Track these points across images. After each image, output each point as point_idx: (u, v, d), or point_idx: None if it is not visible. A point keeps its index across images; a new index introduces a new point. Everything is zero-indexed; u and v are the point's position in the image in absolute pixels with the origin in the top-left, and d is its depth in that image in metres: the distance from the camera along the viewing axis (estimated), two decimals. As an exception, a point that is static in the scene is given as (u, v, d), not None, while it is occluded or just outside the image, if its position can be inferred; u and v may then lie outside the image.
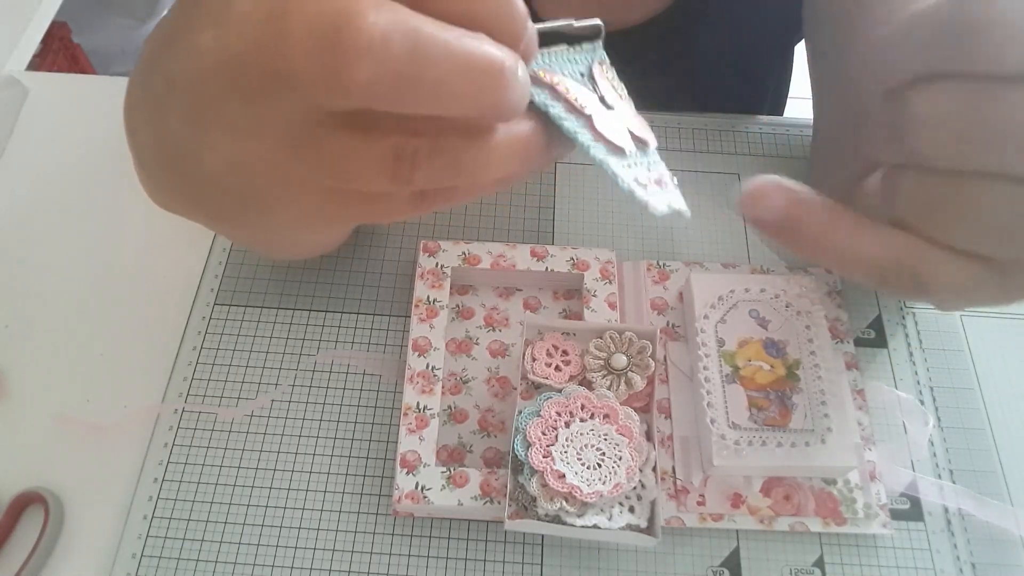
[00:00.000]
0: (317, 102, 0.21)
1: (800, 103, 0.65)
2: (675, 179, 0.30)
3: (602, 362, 0.43)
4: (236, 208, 0.26)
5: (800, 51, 0.64)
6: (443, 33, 0.21)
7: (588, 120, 0.27)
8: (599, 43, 0.29)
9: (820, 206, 0.25)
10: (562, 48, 0.28)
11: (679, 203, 0.28)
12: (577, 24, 0.28)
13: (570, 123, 0.26)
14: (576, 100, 0.26)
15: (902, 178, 0.25)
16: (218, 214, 0.28)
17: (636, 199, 0.26)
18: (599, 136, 0.26)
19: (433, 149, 0.22)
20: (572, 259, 0.48)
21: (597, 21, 0.29)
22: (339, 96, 0.21)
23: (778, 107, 0.76)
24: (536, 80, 0.26)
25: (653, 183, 0.28)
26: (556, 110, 0.26)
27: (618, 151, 0.27)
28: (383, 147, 0.22)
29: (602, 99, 0.28)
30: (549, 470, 0.38)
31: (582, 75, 0.29)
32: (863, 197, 0.27)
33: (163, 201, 0.30)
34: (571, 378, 0.43)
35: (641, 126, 0.29)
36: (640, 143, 0.29)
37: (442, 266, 0.47)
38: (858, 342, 0.48)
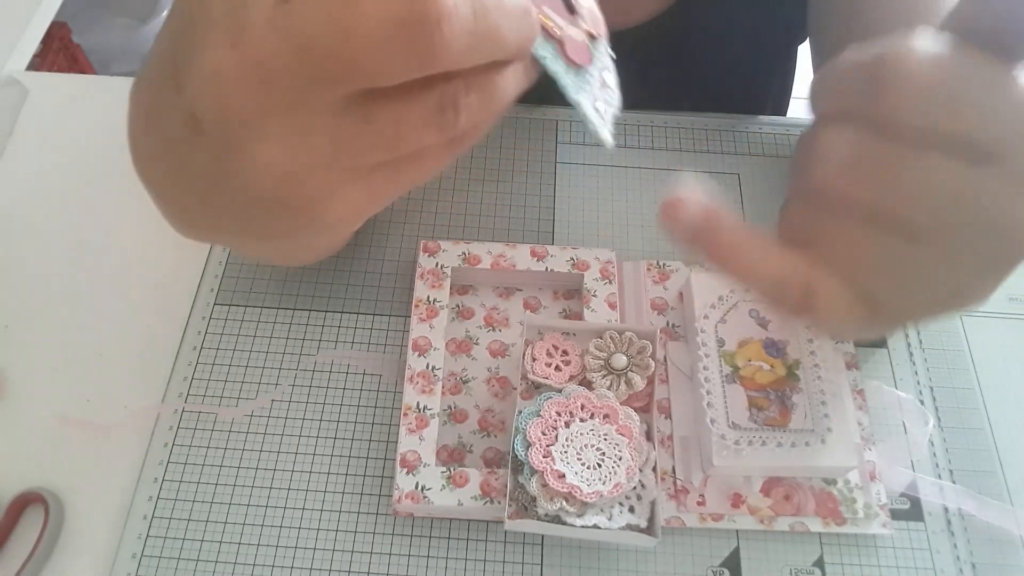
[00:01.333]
0: (388, 79, 0.21)
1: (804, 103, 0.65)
2: (614, 76, 0.31)
3: (602, 362, 0.43)
4: (284, 222, 0.26)
5: (804, 51, 0.64)
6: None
7: (560, 45, 0.27)
8: None
9: (731, 224, 0.27)
10: None
11: (607, 126, 0.30)
12: None
13: (544, 50, 0.26)
14: (551, 25, 0.27)
15: (795, 204, 0.26)
16: (263, 232, 0.27)
17: (591, 130, 0.28)
18: (568, 59, 0.27)
19: (467, 87, 0.23)
20: (572, 259, 0.48)
21: None
22: (424, 69, 0.21)
23: (781, 108, 0.76)
24: None
25: (599, 86, 0.29)
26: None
27: (580, 68, 0.28)
28: (428, 101, 0.23)
29: (566, 2, 0.28)
30: (549, 470, 0.38)
31: None
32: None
33: (198, 235, 0.29)
34: (571, 378, 0.43)
35: (594, 20, 0.30)
36: (592, 38, 0.29)
37: (442, 266, 0.47)
38: (858, 342, 0.48)
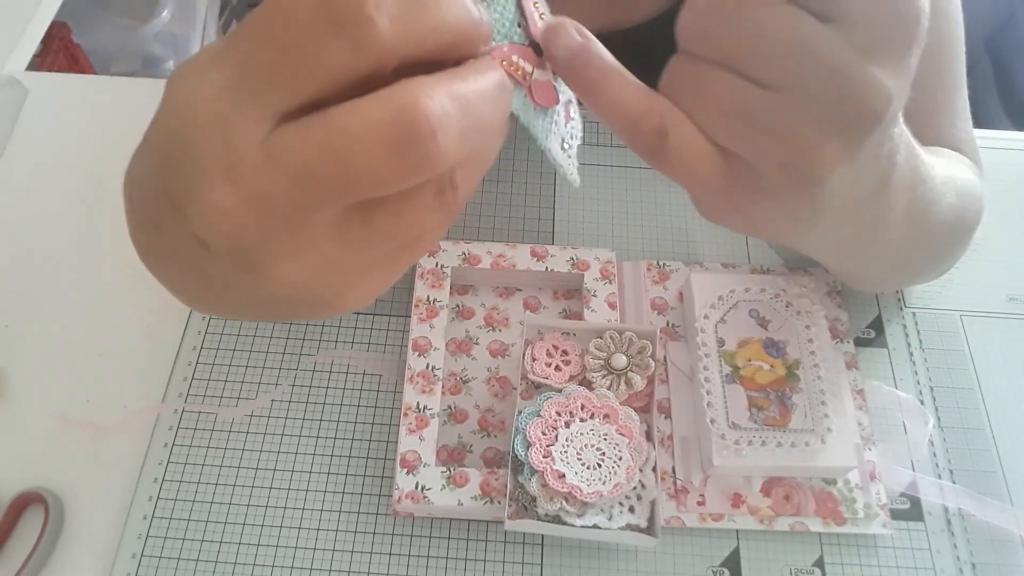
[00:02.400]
0: (387, 191, 0.22)
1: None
2: (576, 104, 0.31)
3: (602, 362, 0.43)
4: (304, 312, 0.27)
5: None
6: (463, 80, 0.22)
7: (528, 91, 0.27)
8: None
9: (603, 59, 0.27)
10: None
11: (574, 164, 0.30)
12: None
13: (515, 101, 0.27)
14: (520, 73, 0.27)
15: (673, 57, 0.27)
16: (284, 319, 0.29)
17: (560, 173, 0.29)
18: (536, 104, 0.28)
19: (460, 163, 0.23)
20: (572, 259, 0.48)
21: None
22: (422, 177, 0.22)
23: None
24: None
25: (565, 121, 0.30)
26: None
27: (547, 109, 0.28)
28: (426, 191, 0.23)
29: (533, 44, 0.28)
30: (549, 470, 0.38)
31: (512, 17, 0.28)
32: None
33: (217, 315, 0.31)
34: (571, 378, 0.43)
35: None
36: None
37: (442, 266, 0.47)
38: (858, 342, 0.48)
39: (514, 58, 0.27)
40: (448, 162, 0.21)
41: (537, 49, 0.28)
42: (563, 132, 0.30)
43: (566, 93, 0.30)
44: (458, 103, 0.22)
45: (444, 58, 0.23)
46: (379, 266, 0.25)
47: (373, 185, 0.21)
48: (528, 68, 0.27)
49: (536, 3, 0.29)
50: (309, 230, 0.23)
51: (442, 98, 0.21)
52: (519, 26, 0.28)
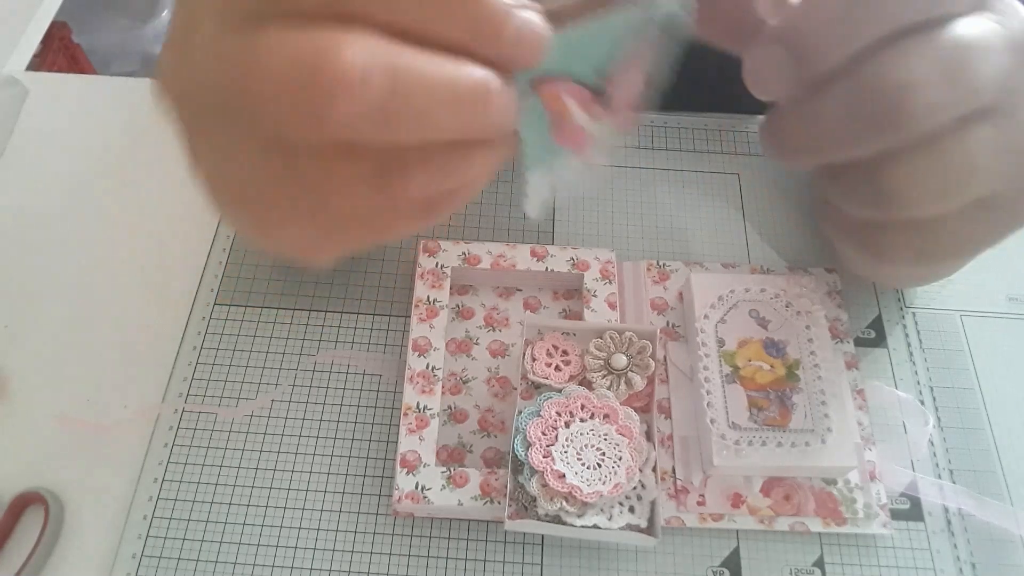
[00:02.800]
0: (292, 137, 0.21)
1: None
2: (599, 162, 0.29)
3: (602, 362, 0.43)
4: (256, 222, 0.27)
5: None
6: (422, 64, 0.20)
7: (558, 119, 0.25)
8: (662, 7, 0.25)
9: None
10: (600, 22, 0.24)
11: (541, 203, 0.28)
12: None
13: (532, 120, 0.25)
14: (559, 104, 0.25)
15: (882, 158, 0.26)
16: (247, 226, 0.28)
17: (524, 199, 0.28)
18: (557, 138, 0.26)
19: (421, 158, 0.22)
20: (572, 259, 0.48)
21: None
22: (315, 134, 0.20)
23: None
24: (540, 88, 0.24)
25: (571, 170, 0.28)
26: (528, 132, 0.25)
27: (562, 150, 0.27)
28: (363, 166, 0.22)
29: (600, 94, 0.26)
30: (549, 470, 0.38)
31: (602, 68, 0.25)
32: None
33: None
34: (571, 378, 0.43)
35: (623, 120, 0.27)
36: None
37: (442, 266, 0.47)
38: (858, 342, 0.48)
39: (565, 98, 0.25)
40: (340, 128, 0.20)
41: (602, 96, 0.26)
42: (558, 175, 0.28)
43: (598, 154, 0.28)
44: (389, 75, 0.20)
45: (450, 43, 0.21)
46: (312, 221, 0.24)
47: (272, 119, 0.20)
48: (573, 107, 0.25)
49: (638, 66, 0.26)
50: (228, 142, 0.23)
51: (368, 59, 0.20)
52: (607, 68, 0.25)
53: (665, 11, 0.24)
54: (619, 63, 0.25)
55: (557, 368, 0.43)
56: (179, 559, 0.41)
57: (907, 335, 0.48)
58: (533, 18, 0.22)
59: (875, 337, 0.48)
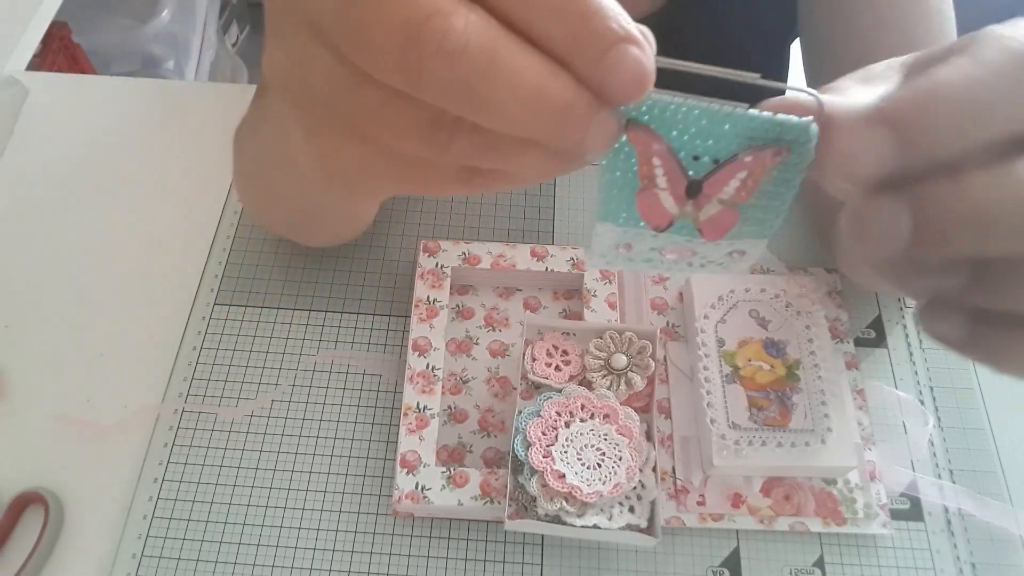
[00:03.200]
0: (371, 68, 0.21)
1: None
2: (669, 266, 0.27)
3: (602, 362, 0.43)
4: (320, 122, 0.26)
5: (796, 50, 0.64)
6: (520, 58, 0.20)
7: (646, 184, 0.24)
8: (802, 125, 0.22)
9: None
10: (716, 108, 0.22)
11: (603, 260, 0.27)
12: (756, 81, 0.22)
13: (616, 167, 0.23)
14: (648, 166, 0.23)
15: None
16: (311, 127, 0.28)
17: (588, 248, 0.26)
18: (640, 208, 0.24)
19: (475, 128, 0.22)
20: (572, 259, 0.48)
21: (812, 95, 0.23)
22: (403, 84, 0.21)
23: None
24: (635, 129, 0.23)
25: (641, 250, 0.26)
26: (613, 169, 0.23)
27: (637, 218, 0.25)
28: (422, 112, 0.22)
29: (695, 184, 0.24)
30: (549, 470, 0.38)
31: (703, 158, 0.23)
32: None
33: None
34: (571, 378, 0.43)
35: (717, 225, 0.25)
36: (699, 232, 0.25)
37: (442, 266, 0.47)
38: (858, 342, 0.48)
39: (655, 161, 0.23)
40: (421, 85, 0.20)
41: (692, 189, 0.24)
42: (634, 247, 0.26)
43: (674, 246, 0.26)
44: (488, 56, 0.20)
45: (551, 47, 0.21)
46: (363, 145, 0.24)
47: (367, 50, 0.21)
48: (659, 177, 0.24)
49: (746, 178, 0.24)
50: (302, 48, 0.23)
51: (474, 33, 0.20)
52: (715, 162, 0.23)
53: (794, 135, 0.23)
54: (725, 164, 0.23)
55: (557, 368, 0.43)
56: (179, 559, 0.41)
57: (907, 335, 0.48)
58: (641, 54, 0.21)
59: (875, 337, 0.48)
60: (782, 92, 0.24)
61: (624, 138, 0.23)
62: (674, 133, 0.23)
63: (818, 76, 0.53)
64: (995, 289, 0.23)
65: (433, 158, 0.23)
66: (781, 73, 0.75)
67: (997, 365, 0.25)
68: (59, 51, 1.19)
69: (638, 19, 0.22)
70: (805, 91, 0.23)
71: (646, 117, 0.22)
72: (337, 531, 0.42)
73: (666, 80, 0.22)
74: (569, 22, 0.21)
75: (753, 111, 0.22)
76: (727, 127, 0.23)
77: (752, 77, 0.23)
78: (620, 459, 0.39)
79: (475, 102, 0.21)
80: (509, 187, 0.26)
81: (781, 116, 0.23)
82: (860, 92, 0.25)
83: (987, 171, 0.22)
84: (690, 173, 0.24)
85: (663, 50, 0.22)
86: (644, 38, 0.21)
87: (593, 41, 0.21)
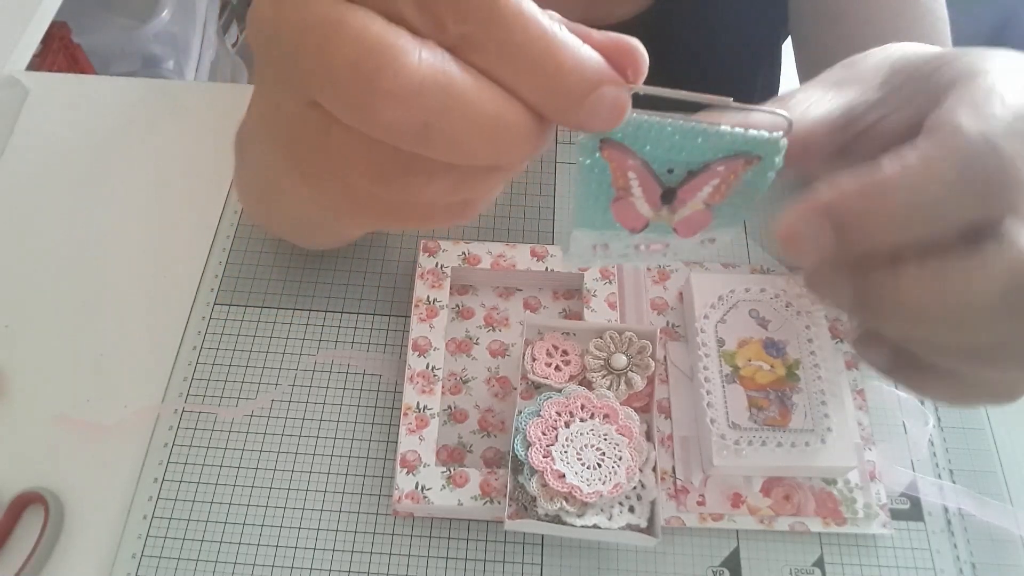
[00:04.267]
0: (336, 113, 0.21)
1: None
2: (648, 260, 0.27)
3: (602, 362, 0.43)
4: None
5: (788, 49, 0.64)
6: (477, 91, 0.20)
7: (620, 193, 0.24)
8: (771, 140, 0.23)
9: None
10: (690, 125, 0.23)
11: (578, 259, 0.27)
12: (730, 106, 0.23)
13: (585, 156, 0.23)
14: (623, 179, 0.24)
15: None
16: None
17: (568, 240, 0.26)
18: (615, 212, 0.25)
19: (448, 167, 0.22)
20: (572, 259, 0.48)
21: (783, 116, 0.24)
22: (360, 124, 0.21)
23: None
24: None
25: (615, 251, 0.26)
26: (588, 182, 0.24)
27: (612, 221, 0.25)
28: (392, 155, 0.22)
29: (670, 191, 0.24)
30: (549, 470, 0.38)
31: (677, 171, 0.24)
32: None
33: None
34: (571, 378, 0.43)
35: (692, 224, 0.25)
36: (674, 231, 0.26)
37: (442, 266, 0.47)
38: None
39: (630, 175, 0.24)
40: (379, 127, 0.20)
41: (668, 196, 0.25)
42: (610, 248, 0.26)
43: (652, 245, 0.26)
44: (443, 94, 0.20)
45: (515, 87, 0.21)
46: (325, 182, 0.24)
47: (325, 90, 0.21)
48: (635, 189, 0.24)
49: (719, 183, 0.24)
50: (273, 89, 0.23)
51: (429, 72, 0.20)
52: (689, 173, 0.24)
53: (765, 150, 0.24)
54: (699, 173, 0.24)
55: (557, 368, 0.43)
56: (179, 559, 0.41)
57: (907, 335, 0.48)
58: (618, 92, 0.21)
59: (875, 337, 0.48)
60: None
61: (598, 155, 0.23)
62: (648, 148, 0.23)
63: (809, 76, 0.53)
64: (917, 347, 0.24)
65: (410, 200, 0.23)
66: (773, 72, 0.75)
67: (919, 394, 0.26)
68: (59, 51, 1.18)
69: (628, 17, 0.22)
70: (777, 112, 0.24)
71: (619, 135, 0.23)
72: (337, 531, 0.42)
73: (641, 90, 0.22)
74: (546, 78, 0.21)
75: (725, 127, 0.23)
76: (700, 141, 0.23)
77: (724, 101, 0.23)
78: (620, 459, 0.39)
79: (434, 140, 0.21)
80: (472, 215, 0.26)
81: (752, 132, 0.23)
82: (823, 102, 0.26)
83: (920, 267, 0.22)
84: (664, 184, 0.24)
85: (652, 50, 0.23)
86: (628, 49, 0.21)
87: (569, 93, 0.21)
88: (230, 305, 0.49)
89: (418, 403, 0.43)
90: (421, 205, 0.24)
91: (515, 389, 0.44)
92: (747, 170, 0.24)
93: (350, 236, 0.48)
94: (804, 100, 0.27)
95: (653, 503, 0.39)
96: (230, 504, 0.42)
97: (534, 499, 0.38)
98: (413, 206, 0.24)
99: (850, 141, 0.26)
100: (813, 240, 0.23)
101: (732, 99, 0.23)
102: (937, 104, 0.23)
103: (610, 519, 0.38)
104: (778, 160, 0.24)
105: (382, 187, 0.23)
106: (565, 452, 0.39)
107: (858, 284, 0.23)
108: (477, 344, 0.47)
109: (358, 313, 0.49)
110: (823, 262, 0.24)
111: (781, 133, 0.24)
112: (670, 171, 0.24)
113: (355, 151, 0.22)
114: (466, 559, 0.41)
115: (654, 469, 0.40)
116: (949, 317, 0.22)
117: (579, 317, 0.47)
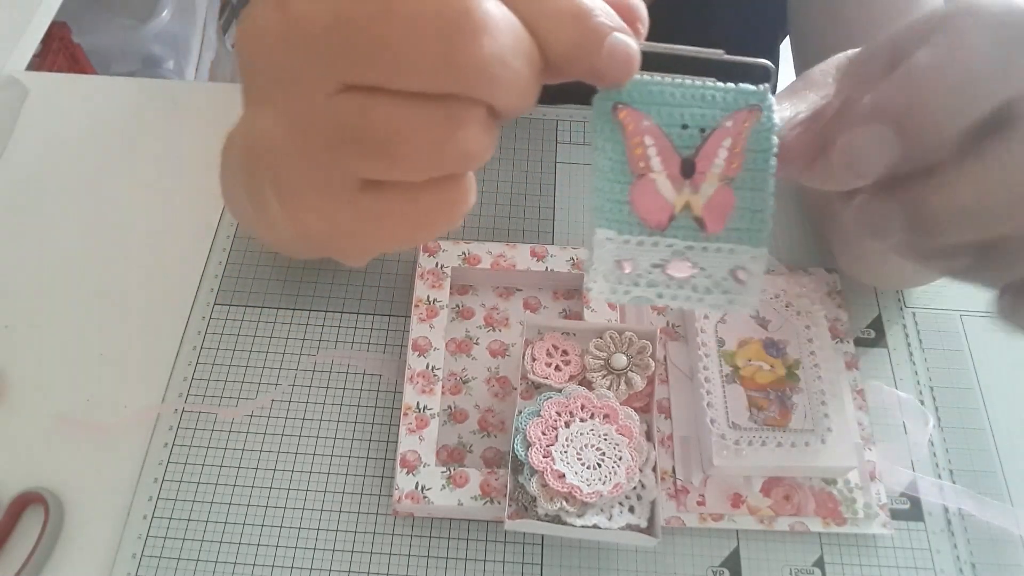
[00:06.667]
0: (404, 75, 0.21)
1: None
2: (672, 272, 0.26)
3: (602, 362, 0.43)
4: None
5: (786, 48, 0.64)
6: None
7: (638, 179, 0.25)
8: (760, 91, 0.25)
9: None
10: (691, 83, 0.25)
11: (604, 284, 0.27)
12: (704, 53, 0.25)
13: (605, 156, 0.24)
14: (640, 151, 0.24)
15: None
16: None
17: (588, 268, 0.27)
18: (632, 203, 0.25)
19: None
20: (572, 259, 0.48)
21: (765, 64, 0.26)
22: (446, 79, 0.21)
23: None
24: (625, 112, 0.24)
25: (641, 263, 0.26)
26: (605, 154, 0.24)
27: (636, 220, 0.25)
28: (436, 109, 0.22)
29: (688, 162, 0.25)
30: (549, 470, 0.38)
31: (690, 127, 0.25)
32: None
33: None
34: (571, 378, 0.43)
35: (716, 209, 0.25)
36: (700, 223, 0.25)
37: (442, 266, 0.47)
38: (858, 342, 0.48)
39: (647, 139, 0.24)
40: (469, 69, 0.20)
41: (687, 167, 0.25)
42: (634, 262, 0.26)
43: (676, 245, 0.26)
44: (513, 31, 0.21)
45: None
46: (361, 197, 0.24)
47: (401, 54, 0.20)
48: (653, 159, 0.25)
49: (732, 145, 0.25)
50: (308, 87, 0.22)
51: (497, 11, 0.21)
52: (701, 132, 0.25)
53: (757, 99, 0.25)
54: (710, 134, 0.25)
55: (557, 368, 0.43)
56: (179, 559, 0.41)
57: (907, 335, 0.48)
58: (628, 39, 0.22)
59: (875, 337, 0.48)
60: (746, 64, 0.26)
61: (612, 123, 0.24)
62: (656, 110, 0.25)
63: (806, 64, 0.53)
64: (1005, 263, 0.24)
65: (411, 200, 0.24)
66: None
67: (926, 266, 0.26)
68: (59, 51, 1.19)
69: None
70: (759, 62, 0.26)
71: (627, 98, 0.24)
72: (337, 531, 0.42)
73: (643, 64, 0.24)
74: (571, 17, 0.22)
75: (720, 83, 0.25)
76: (702, 97, 0.25)
77: (717, 54, 0.25)
78: (620, 459, 0.39)
79: (507, 68, 0.21)
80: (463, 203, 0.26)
81: (743, 85, 0.25)
82: (783, 110, 0.27)
83: (959, 167, 0.22)
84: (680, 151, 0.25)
85: (658, 36, 0.24)
86: (630, 5, 0.23)
87: (593, 32, 0.22)
88: (230, 305, 0.49)
89: (418, 403, 0.43)
90: (412, 210, 0.24)
91: (515, 389, 0.44)
92: (752, 123, 0.25)
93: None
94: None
95: (653, 503, 0.39)
96: (230, 504, 0.42)
97: (534, 499, 0.38)
98: (404, 211, 0.24)
99: (821, 140, 0.26)
100: (878, 147, 0.23)
101: (723, 52, 0.25)
102: (907, 55, 0.23)
103: (610, 519, 0.38)
104: (771, 113, 0.25)
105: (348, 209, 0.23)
106: (565, 452, 0.39)
107: (909, 205, 0.23)
108: (477, 344, 0.47)
109: (358, 313, 0.49)
110: (875, 188, 0.24)
111: (766, 85, 0.25)
112: (684, 127, 0.25)
113: (327, 172, 0.22)
114: (466, 559, 0.41)
115: (654, 469, 0.40)
116: (1012, 197, 0.22)
117: (579, 317, 0.47)
